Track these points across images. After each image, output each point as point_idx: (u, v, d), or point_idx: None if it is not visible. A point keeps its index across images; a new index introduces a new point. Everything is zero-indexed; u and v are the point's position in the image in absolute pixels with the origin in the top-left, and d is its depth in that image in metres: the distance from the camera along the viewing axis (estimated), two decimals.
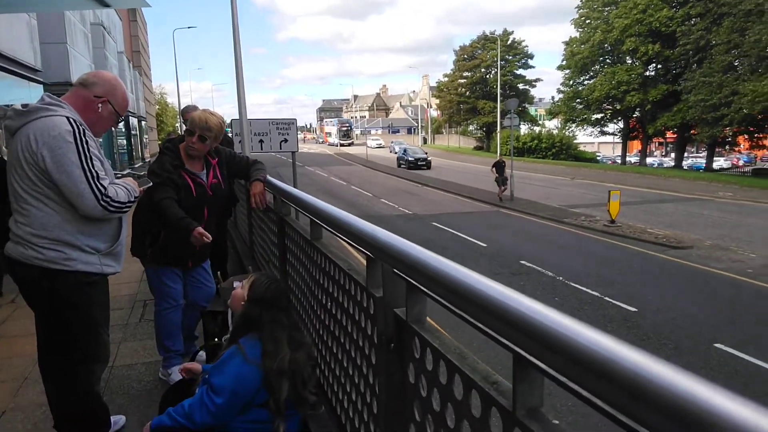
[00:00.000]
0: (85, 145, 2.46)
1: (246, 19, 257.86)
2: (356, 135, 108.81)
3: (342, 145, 76.26)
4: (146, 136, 42.07)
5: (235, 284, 2.76)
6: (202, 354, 3.71)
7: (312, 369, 2.43)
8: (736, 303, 9.95)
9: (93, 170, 2.46)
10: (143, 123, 39.40)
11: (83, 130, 2.50)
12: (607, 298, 9.91)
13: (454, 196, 25.64)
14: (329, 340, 2.46)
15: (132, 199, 2.65)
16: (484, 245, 14.46)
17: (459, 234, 15.94)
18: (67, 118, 2.48)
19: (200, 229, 3.24)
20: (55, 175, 2.42)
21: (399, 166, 42.16)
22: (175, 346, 3.81)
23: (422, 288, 1.34)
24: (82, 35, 19.04)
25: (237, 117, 11.43)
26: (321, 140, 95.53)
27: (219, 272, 5.04)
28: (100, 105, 2.65)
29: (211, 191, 3.55)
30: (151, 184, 2.91)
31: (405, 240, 1.45)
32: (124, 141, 29.50)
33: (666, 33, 38.51)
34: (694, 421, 0.61)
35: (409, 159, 41.57)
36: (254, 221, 4.84)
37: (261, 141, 10.75)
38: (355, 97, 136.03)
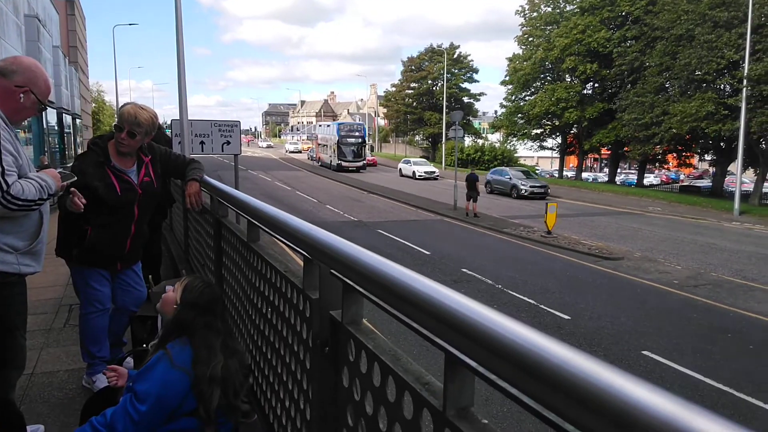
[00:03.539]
0: None
1: (190, 18, 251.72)
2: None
3: (347, 169, 44.14)
4: (80, 135, 40.22)
5: (167, 288, 2.65)
6: (130, 360, 3.53)
7: (245, 377, 2.35)
8: (662, 312, 10.45)
9: None
10: (78, 121, 37.64)
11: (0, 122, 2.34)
12: (542, 306, 10.18)
13: (399, 204, 25.81)
14: (264, 346, 2.39)
15: (44, 196, 2.49)
16: (428, 253, 14.60)
17: (403, 242, 16.04)
18: None
19: (75, 192, 2.88)
20: None
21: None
22: (100, 353, 3.61)
23: (358, 288, 1.32)
24: (15, 26, 18.01)
25: (178, 117, 11.09)
26: (313, 156, 56.59)
27: (151, 276, 4.84)
28: (21, 95, 2.50)
29: (141, 190, 3.41)
30: (75, 179, 2.75)
31: (342, 239, 1.42)
32: (57, 139, 28.07)
33: (603, 53, 40.27)
34: (621, 417, 0.61)
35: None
36: (190, 223, 4.68)
37: (202, 142, 10.45)
38: (303, 102, 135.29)
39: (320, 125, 57.22)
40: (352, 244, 1.36)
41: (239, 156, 11.37)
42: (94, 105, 58.63)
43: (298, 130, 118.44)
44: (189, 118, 10.86)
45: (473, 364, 0.88)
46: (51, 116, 25.06)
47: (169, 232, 6.73)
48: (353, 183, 35.07)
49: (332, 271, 1.45)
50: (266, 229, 2.10)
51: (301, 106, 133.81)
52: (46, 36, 24.01)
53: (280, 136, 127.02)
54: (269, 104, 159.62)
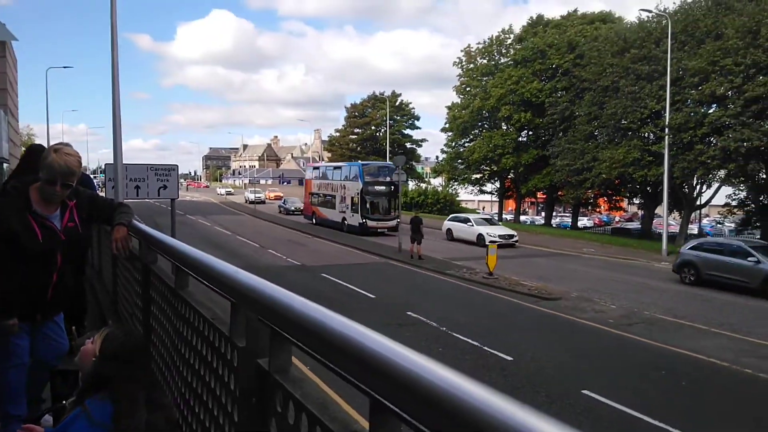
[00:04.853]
0: None
1: (128, 61, 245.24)
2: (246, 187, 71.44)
3: (375, 231, 30.55)
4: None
5: (87, 341, 2.48)
6: (48, 418, 3.27)
7: None
8: (600, 351, 10.72)
9: None
10: (5, 165, 35.81)
11: None
12: (486, 348, 10.24)
13: (343, 248, 25.69)
14: (192, 399, 2.26)
15: None
16: (373, 297, 14.52)
17: (348, 285, 15.90)
18: None
19: (12, 323, 3.12)
20: None
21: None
22: (17, 411, 3.32)
23: (285, 334, 1.27)
24: None
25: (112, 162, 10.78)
26: (290, 208, 45.63)
27: (74, 327, 4.55)
28: None
29: (64, 236, 3.23)
30: None
31: (267, 282, 1.38)
32: None
33: (536, 103, 42.31)
34: None
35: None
36: (119, 270, 4.46)
37: (137, 187, 10.17)
38: (245, 146, 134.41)
39: (317, 167, 40.06)
40: (277, 287, 1.32)
41: (177, 201, 11.12)
42: (23, 149, 56.09)
43: (240, 174, 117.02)
44: (124, 161, 10.60)
45: (397, 410, 0.85)
46: None
47: (98, 280, 6.40)
48: (295, 227, 34.46)
49: (259, 317, 1.40)
50: (192, 274, 2.02)
51: (244, 150, 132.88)
52: None
53: (220, 180, 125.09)
54: (210, 148, 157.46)
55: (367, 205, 30.71)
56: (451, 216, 33.17)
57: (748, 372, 9.47)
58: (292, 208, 45.40)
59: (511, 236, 28.01)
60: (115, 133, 10.87)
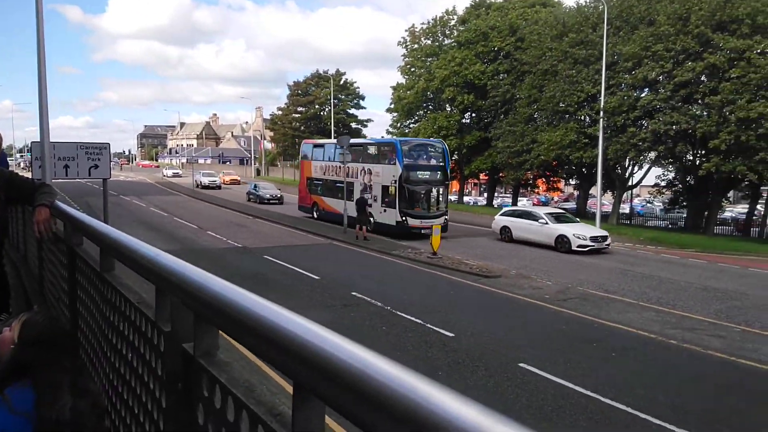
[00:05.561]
0: None
1: (56, 34, 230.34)
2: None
3: (419, 231, 21.99)
4: None
5: (5, 329, 2.35)
6: None
7: (98, 418, 2.13)
8: (536, 325, 11.12)
9: None
10: None
11: None
12: (428, 325, 10.43)
13: (287, 229, 25.39)
14: (120, 385, 2.19)
15: None
16: (317, 278, 14.45)
17: (292, 267, 15.76)
18: None
19: None
20: None
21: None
22: None
23: (205, 317, 1.24)
24: None
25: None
26: (261, 196, 37.50)
27: None
28: None
29: None
30: None
31: (188, 265, 1.33)
32: None
33: (479, 85, 42.89)
34: None
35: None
36: (45, 254, 4.25)
37: (66, 166, 9.68)
38: (182, 124, 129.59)
39: (319, 144, 30.12)
40: (197, 269, 1.28)
41: (110, 180, 10.66)
42: None
43: (177, 153, 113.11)
44: (54, 140, 10.06)
45: (316, 390, 0.85)
46: None
47: (23, 264, 6.08)
48: (236, 208, 33.82)
49: (182, 300, 1.36)
50: (115, 258, 1.94)
51: (181, 128, 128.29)
52: None
53: (156, 159, 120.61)
54: (145, 126, 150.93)
55: (407, 197, 22.61)
56: (505, 210, 26.10)
57: (672, 343, 10.07)
58: (268, 196, 36.80)
59: (605, 238, 21.14)
60: (41, 109, 10.25)
